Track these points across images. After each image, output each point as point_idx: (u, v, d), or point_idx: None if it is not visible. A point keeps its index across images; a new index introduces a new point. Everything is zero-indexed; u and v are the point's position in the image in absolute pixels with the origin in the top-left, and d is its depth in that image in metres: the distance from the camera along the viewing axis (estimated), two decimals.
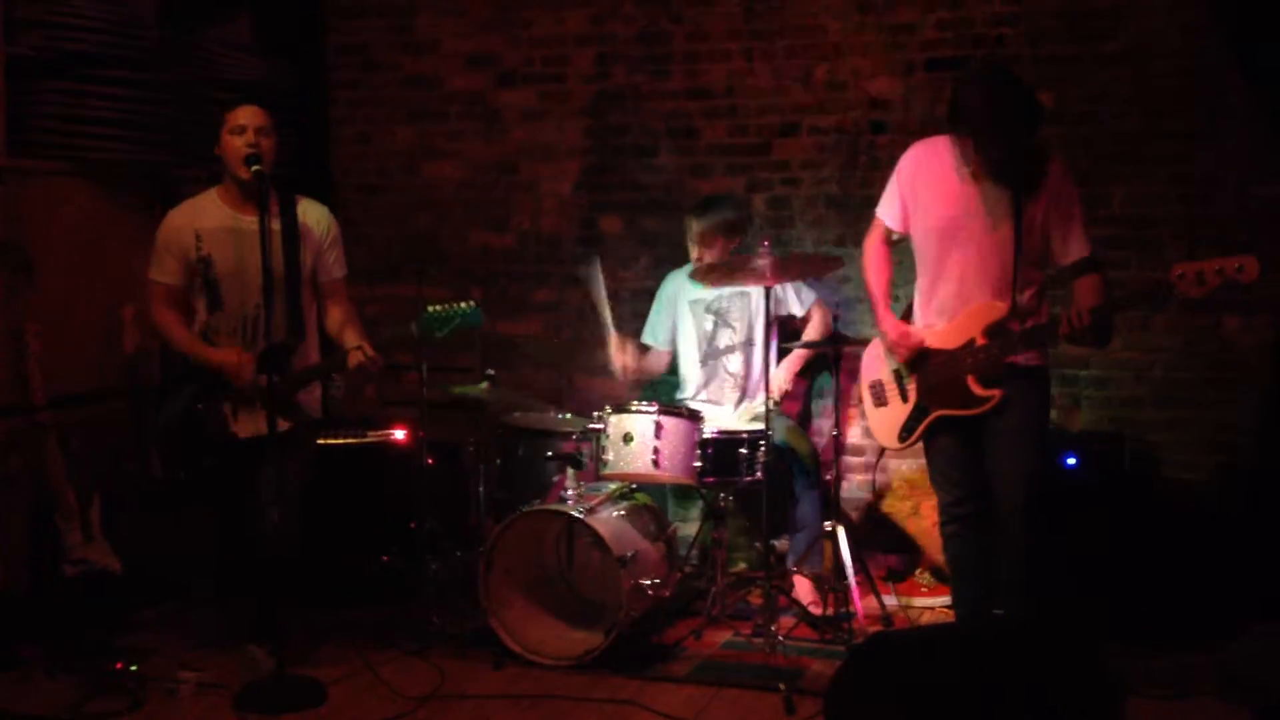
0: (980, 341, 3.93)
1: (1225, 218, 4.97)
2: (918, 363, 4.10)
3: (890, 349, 4.16)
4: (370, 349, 4.16)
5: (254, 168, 4.03)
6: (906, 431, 4.14)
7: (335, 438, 5.06)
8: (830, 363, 4.65)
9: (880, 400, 4.25)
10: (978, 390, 3.93)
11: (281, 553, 4.15)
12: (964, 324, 3.97)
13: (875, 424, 4.29)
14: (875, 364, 4.30)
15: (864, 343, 4.45)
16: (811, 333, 5.13)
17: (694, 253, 5.10)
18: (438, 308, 4.19)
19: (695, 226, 5.07)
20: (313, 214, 4.36)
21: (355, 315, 4.46)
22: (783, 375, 5.11)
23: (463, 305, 4.18)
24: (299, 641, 4.23)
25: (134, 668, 4.06)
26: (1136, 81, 5.06)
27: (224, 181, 4.26)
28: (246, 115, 4.18)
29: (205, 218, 4.24)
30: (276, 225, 4.18)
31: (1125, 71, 5.07)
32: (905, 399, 4.15)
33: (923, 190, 4.04)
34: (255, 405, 4.18)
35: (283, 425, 4.07)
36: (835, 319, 4.98)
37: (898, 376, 4.18)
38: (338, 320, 4.40)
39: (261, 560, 4.14)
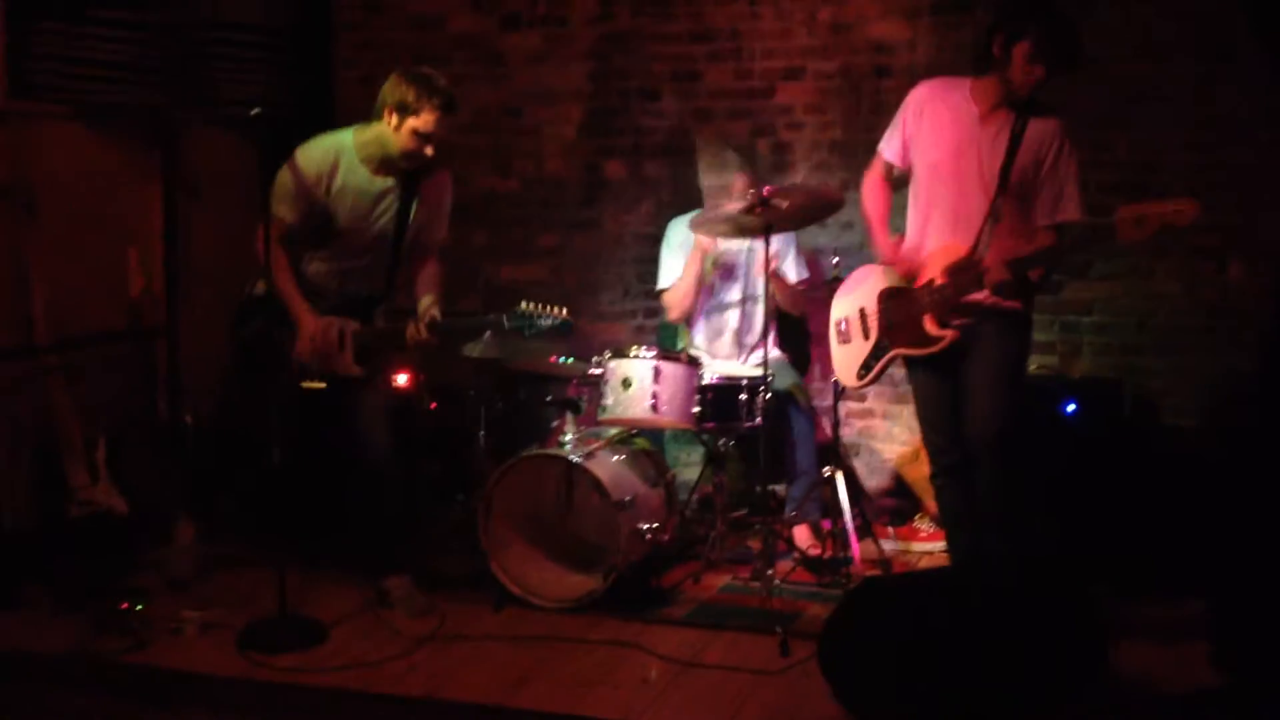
0: (939, 281, 3.93)
1: (1235, 163, 4.93)
2: (886, 299, 4.11)
3: (887, 268, 4.15)
4: (424, 328, 4.17)
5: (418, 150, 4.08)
6: (865, 369, 4.19)
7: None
8: None
9: (844, 338, 4.28)
10: (932, 330, 3.95)
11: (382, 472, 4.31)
12: (929, 263, 3.98)
13: (838, 361, 4.34)
14: (843, 303, 4.32)
15: None
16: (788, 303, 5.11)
17: (719, 201, 4.94)
18: (529, 306, 4.11)
19: (736, 173, 5.01)
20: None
21: (440, 278, 4.45)
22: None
23: (556, 314, 4.14)
24: (303, 583, 4.27)
25: (139, 607, 4.08)
26: (1143, 23, 5.00)
27: (369, 137, 4.20)
28: (439, 126, 4.09)
29: (340, 171, 4.20)
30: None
31: (1131, 12, 5.01)
32: (867, 336, 4.18)
33: (926, 126, 4.01)
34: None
35: (355, 372, 4.24)
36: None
37: (862, 315, 4.20)
38: (424, 276, 4.44)
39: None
